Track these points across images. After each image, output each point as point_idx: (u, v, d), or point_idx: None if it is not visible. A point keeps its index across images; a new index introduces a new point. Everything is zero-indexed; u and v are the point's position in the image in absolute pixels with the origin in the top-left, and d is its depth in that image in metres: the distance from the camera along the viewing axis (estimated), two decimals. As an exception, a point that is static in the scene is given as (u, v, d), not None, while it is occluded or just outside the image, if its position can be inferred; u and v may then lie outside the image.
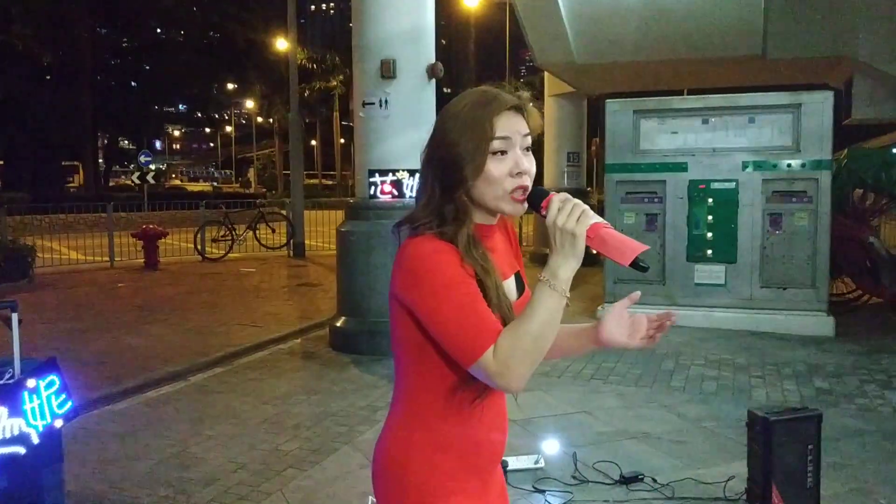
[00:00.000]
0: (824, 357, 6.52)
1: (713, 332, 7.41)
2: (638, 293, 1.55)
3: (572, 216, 1.30)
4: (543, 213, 1.36)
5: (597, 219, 1.32)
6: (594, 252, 1.37)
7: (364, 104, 6.61)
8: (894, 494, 3.74)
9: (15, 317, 2.85)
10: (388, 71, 6.42)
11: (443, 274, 1.34)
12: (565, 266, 1.31)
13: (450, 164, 1.40)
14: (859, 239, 8.51)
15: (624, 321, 1.52)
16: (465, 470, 1.46)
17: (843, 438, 4.48)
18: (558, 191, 1.44)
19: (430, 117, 6.75)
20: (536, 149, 1.50)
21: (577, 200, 1.34)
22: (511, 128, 1.41)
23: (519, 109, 1.44)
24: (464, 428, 1.45)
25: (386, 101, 6.48)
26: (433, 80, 6.73)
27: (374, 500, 1.55)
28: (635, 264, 1.31)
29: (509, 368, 1.28)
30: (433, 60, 6.69)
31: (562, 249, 1.31)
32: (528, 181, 1.42)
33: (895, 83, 9.87)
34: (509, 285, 1.50)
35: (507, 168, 1.40)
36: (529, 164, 1.43)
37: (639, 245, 1.31)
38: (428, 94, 6.73)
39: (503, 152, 1.40)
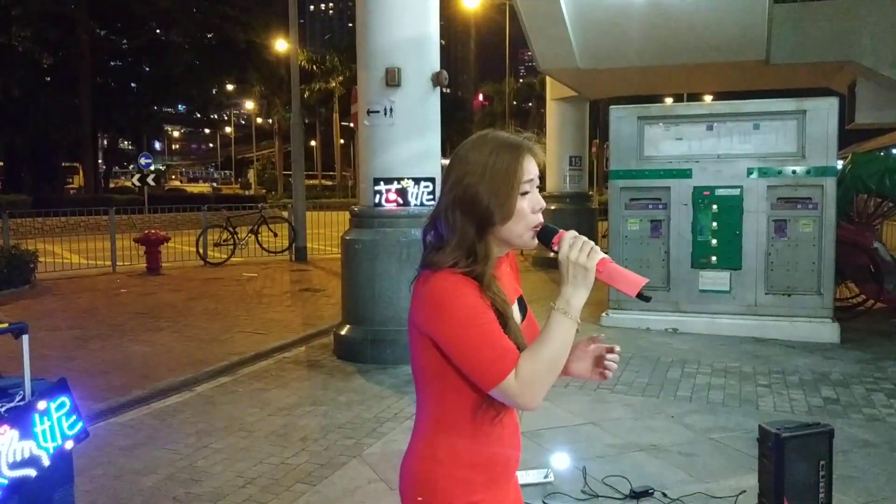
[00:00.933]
0: (830, 365, 6.51)
1: (718, 339, 7.40)
2: (601, 338, 1.75)
3: (583, 252, 1.48)
4: (555, 247, 1.52)
5: (603, 255, 1.50)
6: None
7: (369, 112, 6.59)
8: (905, 509, 3.73)
9: (26, 339, 2.84)
10: (392, 79, 6.41)
11: (466, 306, 1.47)
12: (577, 296, 1.48)
13: (485, 207, 1.51)
14: (863, 245, 8.51)
15: (587, 355, 1.74)
16: (487, 483, 1.58)
17: (853, 450, 4.47)
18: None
19: (435, 126, 6.75)
20: None
21: (584, 238, 1.51)
22: (533, 170, 1.57)
23: (532, 153, 1.59)
24: (485, 445, 1.57)
25: (391, 110, 6.46)
26: (438, 88, 6.72)
27: None
28: (640, 295, 1.50)
29: (530, 389, 1.44)
30: (438, 68, 6.68)
31: (574, 280, 1.48)
32: (551, 227, 1.59)
33: (898, 88, 9.87)
34: (514, 309, 1.63)
35: (531, 206, 1.55)
36: (540, 199, 1.60)
37: (641, 278, 1.50)
38: (433, 102, 6.71)
39: (528, 192, 1.56)
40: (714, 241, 7.78)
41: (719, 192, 7.74)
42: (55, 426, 2.81)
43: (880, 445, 4.62)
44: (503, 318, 1.51)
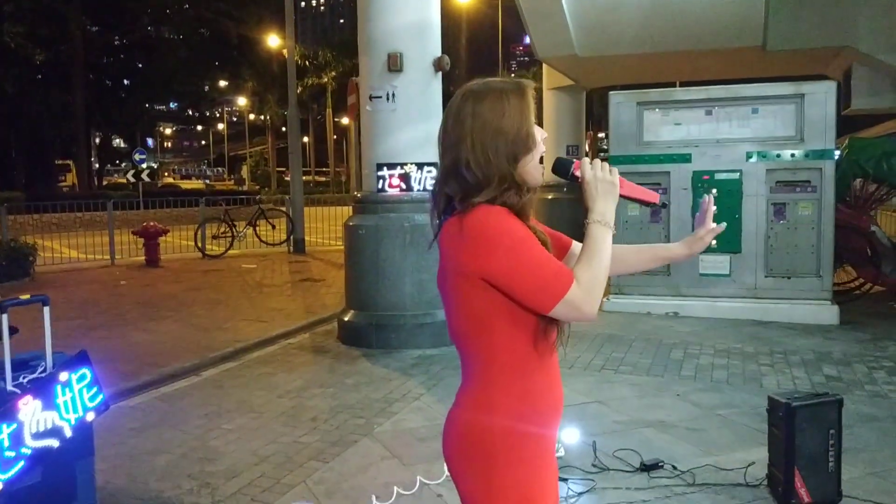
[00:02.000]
0: (831, 345, 6.57)
1: (719, 322, 7.45)
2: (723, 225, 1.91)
3: (605, 170, 1.65)
4: (577, 173, 1.68)
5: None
6: (623, 196, 1.70)
7: (371, 98, 6.61)
8: (912, 478, 3.78)
9: (47, 311, 2.86)
10: (395, 64, 6.43)
11: (516, 233, 1.55)
12: (610, 208, 1.63)
13: (512, 139, 1.62)
14: (861, 228, 8.57)
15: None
16: (541, 424, 1.64)
17: (857, 424, 4.52)
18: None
19: (437, 110, 6.76)
20: None
21: (596, 160, 1.68)
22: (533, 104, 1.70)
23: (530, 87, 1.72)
24: (537, 385, 1.64)
25: (393, 95, 6.49)
26: (440, 74, 6.74)
27: (448, 475, 1.69)
28: (662, 203, 1.85)
29: (592, 295, 1.54)
30: (439, 53, 6.70)
31: (605, 196, 1.63)
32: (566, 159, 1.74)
33: (894, 74, 9.92)
34: None
35: (541, 136, 1.68)
36: None
37: (655, 194, 1.79)
38: (435, 87, 6.74)
39: (535, 123, 1.68)
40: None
41: (719, 176, 7.79)
42: (76, 398, 2.84)
43: (885, 419, 4.68)
44: (545, 244, 1.64)
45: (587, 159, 1.67)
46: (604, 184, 1.63)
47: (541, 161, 1.68)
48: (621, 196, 1.67)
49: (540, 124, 1.70)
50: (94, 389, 2.90)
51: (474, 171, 1.59)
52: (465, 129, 1.61)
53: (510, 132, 1.61)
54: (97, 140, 40.63)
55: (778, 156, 7.62)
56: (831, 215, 7.50)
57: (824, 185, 7.50)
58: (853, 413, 4.68)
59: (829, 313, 7.43)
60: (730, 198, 7.74)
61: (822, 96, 7.49)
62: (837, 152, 7.97)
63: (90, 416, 2.90)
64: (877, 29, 9.58)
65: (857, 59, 10.51)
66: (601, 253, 1.58)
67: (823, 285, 7.55)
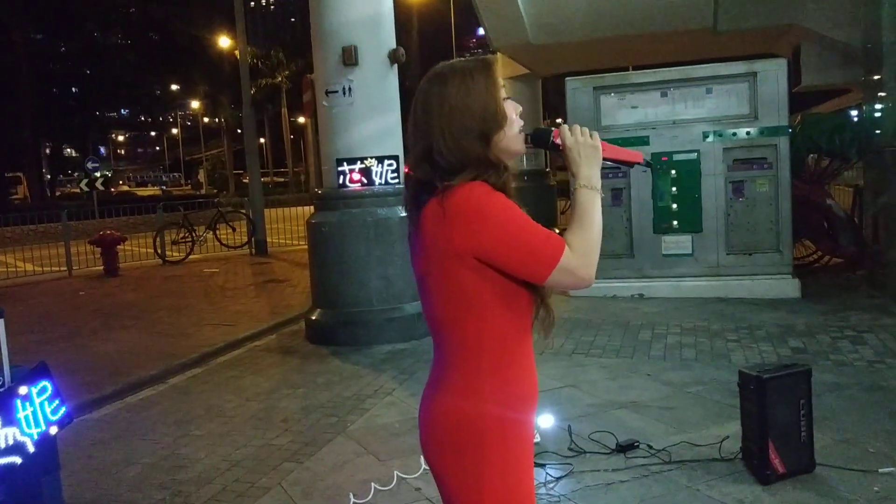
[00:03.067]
0: (794, 318, 6.67)
1: (684, 302, 7.52)
2: None
3: (586, 135, 1.64)
4: (557, 141, 1.66)
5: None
6: (607, 159, 1.68)
7: (327, 93, 6.53)
8: (880, 443, 3.85)
9: (1, 323, 2.76)
10: (350, 58, 6.36)
11: (503, 206, 1.53)
12: (595, 172, 1.62)
13: (481, 119, 1.58)
14: (817, 202, 8.71)
15: None
16: (526, 405, 1.62)
17: (825, 393, 4.58)
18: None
19: (395, 103, 6.71)
20: None
21: (576, 125, 1.67)
22: (501, 79, 1.67)
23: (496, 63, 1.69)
24: (518, 372, 1.61)
25: (350, 89, 6.41)
26: (395, 66, 6.68)
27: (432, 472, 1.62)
28: (646, 162, 1.76)
29: (587, 259, 1.53)
30: (394, 46, 6.64)
31: (588, 161, 1.62)
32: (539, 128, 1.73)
33: (842, 49, 10.10)
34: None
35: (515, 110, 1.65)
36: None
37: (639, 154, 1.76)
38: (391, 80, 6.68)
39: (507, 98, 1.65)
40: (674, 206, 7.90)
41: (677, 157, 7.85)
42: (38, 411, 2.75)
43: (850, 387, 4.76)
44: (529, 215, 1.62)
45: (566, 126, 1.66)
46: (586, 148, 1.63)
47: (538, 141, 1.68)
48: (605, 159, 1.65)
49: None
50: (56, 402, 2.81)
51: (447, 157, 1.56)
52: (433, 114, 1.58)
53: (477, 111, 1.58)
54: (48, 150, 39.68)
55: (734, 134, 7.71)
56: (788, 191, 7.61)
57: (780, 161, 7.60)
58: (820, 382, 4.72)
59: (790, 287, 7.54)
60: (689, 178, 7.82)
61: (773, 74, 7.59)
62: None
63: (53, 430, 2.81)
64: (823, 5, 9.74)
65: (805, 37, 10.68)
66: (591, 215, 1.57)
67: (784, 260, 7.66)
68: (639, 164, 1.75)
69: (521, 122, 1.65)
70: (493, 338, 1.57)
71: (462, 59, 1.69)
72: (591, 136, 1.64)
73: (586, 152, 1.62)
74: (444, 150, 1.56)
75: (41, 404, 2.76)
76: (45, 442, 2.79)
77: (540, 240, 1.52)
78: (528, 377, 1.65)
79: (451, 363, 1.60)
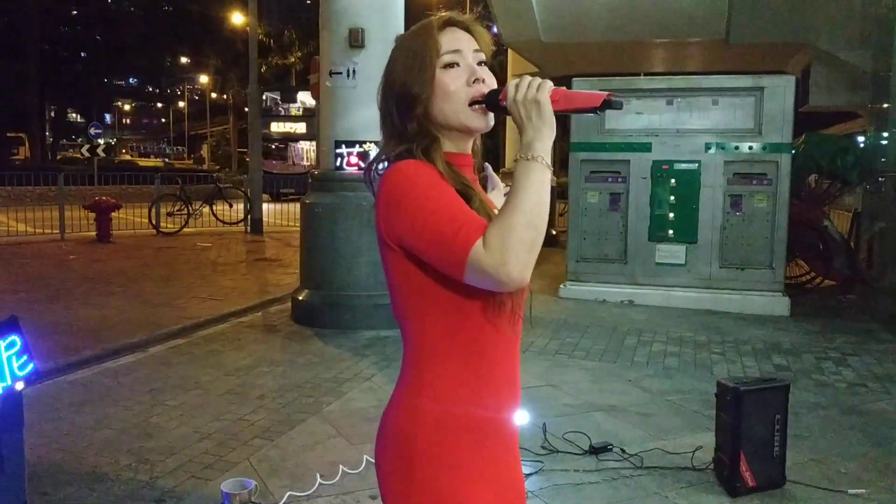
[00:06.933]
0: (781, 335, 6.65)
1: (674, 311, 7.50)
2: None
3: (531, 87, 1.27)
4: (503, 103, 1.31)
5: (554, 86, 1.30)
6: (563, 111, 1.30)
7: (331, 73, 6.49)
8: (853, 465, 3.83)
9: (-26, 273, 2.72)
10: (356, 40, 6.31)
11: (422, 185, 1.29)
12: (539, 136, 1.26)
13: (402, 87, 1.37)
14: (813, 222, 8.69)
15: None
16: (473, 444, 1.37)
17: (803, 412, 4.57)
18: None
19: (398, 89, 6.65)
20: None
21: (530, 76, 1.31)
22: (459, 42, 1.39)
23: (467, 29, 1.42)
24: (473, 397, 1.36)
25: (354, 71, 6.37)
26: (402, 52, 6.62)
27: (376, 469, 1.47)
28: (608, 103, 1.27)
29: (505, 254, 1.17)
30: (403, 30, 6.58)
31: (530, 122, 1.27)
32: (487, 90, 1.37)
33: (852, 71, 10.06)
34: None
35: (463, 78, 1.37)
36: (487, 75, 1.40)
37: (609, 92, 1.28)
38: (396, 66, 6.62)
39: (456, 64, 1.38)
40: (671, 215, 7.87)
41: (678, 166, 7.82)
42: (4, 366, 2.71)
43: (829, 408, 4.74)
44: (468, 195, 1.33)
45: (514, 80, 1.32)
46: (527, 105, 1.27)
47: (490, 105, 1.36)
48: (559, 112, 1.28)
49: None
50: (25, 357, 2.78)
51: (383, 133, 1.43)
52: (383, 77, 1.42)
53: (398, 81, 1.38)
54: (52, 113, 39.58)
55: (736, 148, 7.67)
56: (786, 209, 7.58)
57: (780, 178, 7.57)
58: (800, 401, 4.73)
59: (780, 305, 7.52)
60: (688, 188, 7.79)
61: (780, 90, 7.55)
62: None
63: (20, 385, 2.78)
64: (836, 26, 9.70)
65: (817, 57, 10.65)
66: (520, 197, 1.21)
67: (776, 277, 7.64)
68: (604, 104, 1.27)
69: (478, 89, 1.36)
70: (438, 335, 1.35)
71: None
72: (537, 88, 1.27)
73: (527, 111, 1.27)
74: (382, 125, 1.43)
75: (9, 358, 2.73)
76: (10, 397, 2.75)
77: (452, 230, 1.22)
78: (488, 379, 1.38)
79: (404, 357, 1.42)
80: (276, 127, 32.70)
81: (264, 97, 32.58)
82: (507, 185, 1.47)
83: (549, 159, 1.26)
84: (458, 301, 1.32)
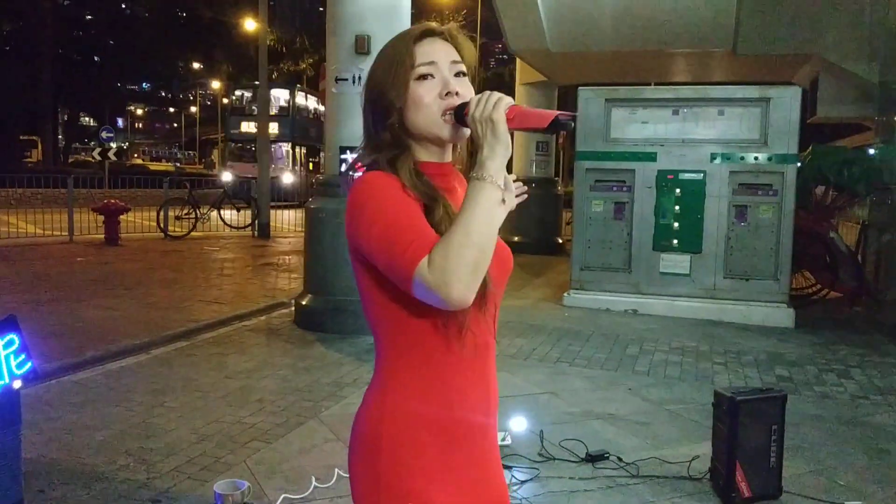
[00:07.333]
0: (784, 346, 6.63)
1: (677, 321, 7.48)
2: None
3: (488, 104, 1.26)
4: (467, 118, 1.31)
5: (514, 102, 1.29)
6: (518, 129, 1.29)
7: (337, 80, 6.52)
8: (852, 476, 3.82)
9: (-26, 272, 2.75)
10: (362, 47, 6.35)
11: (380, 197, 1.30)
12: (491, 155, 1.25)
13: (377, 96, 1.39)
14: (820, 234, 8.66)
15: None
16: (442, 446, 1.37)
17: (803, 423, 4.55)
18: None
19: (403, 96, 6.68)
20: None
21: (494, 92, 1.29)
22: (435, 53, 1.39)
23: (447, 39, 1.42)
24: (438, 397, 1.37)
25: (360, 77, 6.40)
26: (408, 59, 6.66)
27: (347, 473, 1.45)
28: (556, 123, 1.24)
29: (446, 274, 1.17)
30: (408, 38, 6.62)
31: (485, 139, 1.25)
32: (461, 102, 1.36)
33: (860, 83, 10.04)
34: None
35: (436, 90, 1.37)
36: (462, 87, 1.38)
37: (554, 111, 1.26)
38: (402, 73, 6.65)
39: (430, 76, 1.37)
40: (676, 225, 7.87)
41: (683, 176, 7.82)
42: (2, 364, 2.74)
43: (830, 420, 4.72)
44: (432, 205, 1.33)
45: (477, 96, 1.30)
46: (483, 125, 1.26)
47: (458, 119, 1.34)
48: (514, 130, 1.27)
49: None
50: (23, 356, 2.80)
51: (363, 138, 1.44)
52: (361, 96, 1.45)
53: (375, 90, 1.39)
54: (65, 117, 39.88)
55: (742, 158, 7.67)
56: (791, 220, 7.56)
57: (785, 189, 7.56)
58: (800, 412, 4.72)
59: (784, 316, 7.50)
60: (693, 198, 7.79)
61: (787, 101, 7.55)
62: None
63: (17, 384, 2.80)
64: (844, 38, 9.69)
65: (824, 68, 10.63)
66: (466, 215, 1.20)
67: (780, 288, 7.62)
68: (556, 123, 1.24)
69: (450, 103, 1.35)
70: (398, 343, 1.36)
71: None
72: (493, 105, 1.26)
73: (483, 129, 1.26)
74: (363, 127, 1.44)
75: (7, 357, 2.76)
76: (7, 395, 2.78)
77: (402, 245, 1.22)
78: (452, 407, 1.37)
79: (375, 360, 1.43)
80: (247, 127, 28.75)
81: (237, 94, 30.71)
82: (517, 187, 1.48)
83: (501, 179, 1.25)
84: (415, 310, 1.32)
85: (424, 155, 1.42)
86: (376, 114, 1.40)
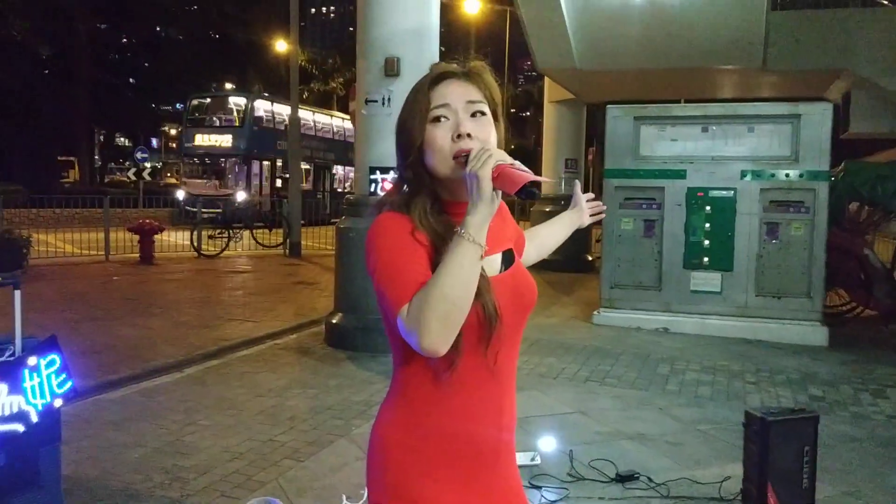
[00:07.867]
0: (818, 366, 6.55)
1: (708, 339, 7.43)
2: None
3: (479, 160, 1.28)
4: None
5: (507, 161, 1.29)
6: (499, 189, 1.28)
7: (367, 101, 6.62)
8: (885, 498, 3.76)
9: (17, 294, 2.85)
10: (391, 69, 6.44)
11: (386, 238, 1.38)
12: (474, 210, 1.27)
13: (401, 137, 1.47)
14: (854, 251, 8.55)
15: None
16: (448, 462, 1.43)
17: (837, 444, 4.49)
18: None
19: (432, 116, 6.75)
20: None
21: (493, 149, 1.32)
22: (450, 95, 1.43)
23: (466, 78, 1.46)
24: (446, 414, 1.42)
25: (389, 99, 6.49)
26: (436, 80, 6.73)
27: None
28: (523, 191, 1.25)
29: (419, 323, 1.24)
30: (437, 60, 6.69)
31: (471, 195, 1.28)
32: (473, 144, 1.38)
33: (893, 98, 9.93)
34: (492, 261, 1.47)
35: (449, 133, 1.41)
36: (476, 128, 1.41)
37: (532, 176, 1.26)
38: (431, 94, 6.73)
39: (444, 118, 1.42)
40: (706, 242, 7.82)
41: (713, 193, 7.79)
42: (44, 383, 2.82)
43: (865, 441, 4.65)
44: (440, 245, 1.37)
45: (478, 148, 1.33)
46: (472, 181, 1.28)
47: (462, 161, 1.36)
48: (497, 188, 1.28)
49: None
50: (63, 376, 2.89)
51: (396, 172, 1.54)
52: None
53: (399, 129, 1.48)
54: (101, 138, 40.71)
55: (772, 175, 7.62)
56: (823, 237, 7.48)
57: (817, 206, 7.49)
58: (835, 433, 4.66)
59: (818, 334, 7.40)
60: (723, 215, 7.74)
61: (818, 117, 7.49)
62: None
63: (58, 403, 2.89)
64: (876, 53, 9.60)
65: (856, 83, 10.53)
66: (442, 270, 1.26)
67: (814, 306, 7.53)
68: (522, 191, 1.25)
69: (461, 146, 1.38)
70: (411, 365, 1.42)
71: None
72: (483, 163, 1.27)
73: (471, 186, 1.28)
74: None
75: (48, 376, 2.84)
76: (48, 413, 2.86)
77: (392, 288, 1.32)
78: (459, 423, 1.43)
79: (390, 385, 1.52)
80: (202, 139, 25.91)
81: (195, 102, 26.83)
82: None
83: (481, 236, 1.27)
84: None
85: (446, 194, 1.47)
86: (401, 153, 1.48)
